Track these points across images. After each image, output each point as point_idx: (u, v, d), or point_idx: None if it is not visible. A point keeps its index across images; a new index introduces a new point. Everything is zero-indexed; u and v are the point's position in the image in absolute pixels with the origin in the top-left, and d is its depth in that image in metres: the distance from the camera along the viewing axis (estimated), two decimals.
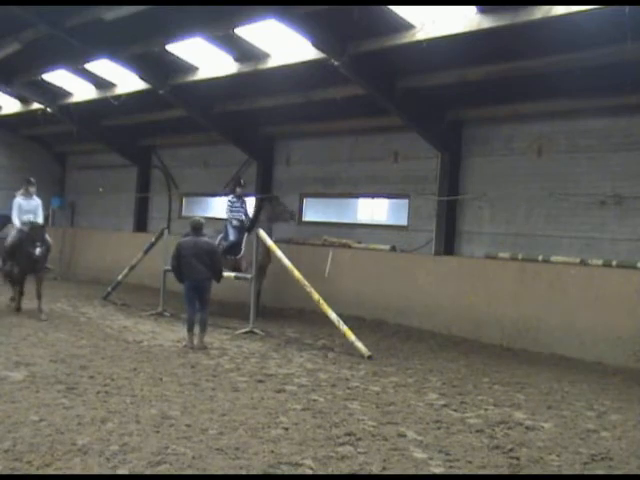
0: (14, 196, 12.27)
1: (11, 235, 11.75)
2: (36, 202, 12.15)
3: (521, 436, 5.95)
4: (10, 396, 6.21)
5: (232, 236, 12.83)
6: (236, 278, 12.03)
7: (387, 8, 9.82)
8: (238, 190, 13.26)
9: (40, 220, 11.87)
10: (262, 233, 11.55)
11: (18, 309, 11.78)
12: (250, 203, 14.23)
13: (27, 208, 11.94)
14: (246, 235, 12.69)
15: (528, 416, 6.66)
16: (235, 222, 12.94)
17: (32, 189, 12.16)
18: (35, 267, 11.32)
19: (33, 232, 11.21)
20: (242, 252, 12.55)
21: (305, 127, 15.14)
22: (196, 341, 9.42)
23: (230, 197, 13.30)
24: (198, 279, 9.48)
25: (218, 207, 18.03)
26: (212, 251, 9.64)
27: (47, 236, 11.74)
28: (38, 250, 10.98)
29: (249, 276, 11.50)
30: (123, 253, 16.71)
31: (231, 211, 13.10)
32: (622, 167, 10.74)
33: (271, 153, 16.29)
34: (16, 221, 11.77)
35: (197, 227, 9.77)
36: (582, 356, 9.93)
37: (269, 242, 11.40)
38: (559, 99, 11.10)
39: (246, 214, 13.21)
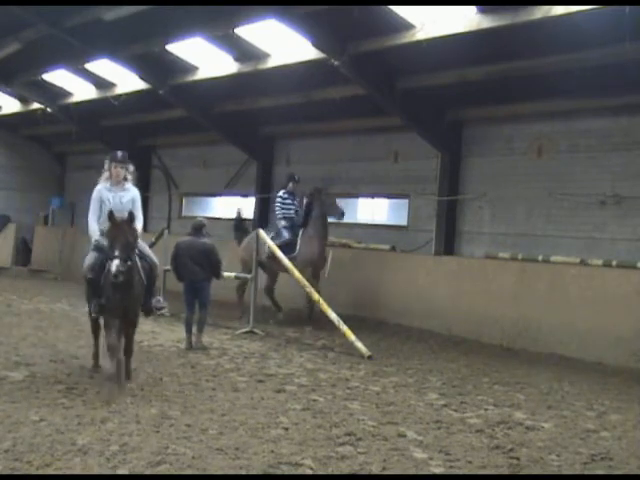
0: (95, 184, 7.37)
1: (88, 257, 7.17)
2: (131, 194, 7.23)
3: (521, 436, 5.95)
4: (10, 396, 6.20)
5: (286, 234, 12.16)
6: (236, 278, 12.01)
7: (387, 8, 9.83)
8: (290, 185, 12.46)
9: (138, 223, 6.88)
10: (262, 233, 11.52)
11: (96, 364, 7.57)
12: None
13: (116, 206, 7.00)
14: (301, 232, 12.06)
15: (528, 416, 6.65)
16: (284, 222, 12.22)
17: (123, 171, 7.20)
18: (125, 301, 6.61)
19: (111, 232, 6.49)
20: (297, 250, 11.86)
21: (305, 127, 15.15)
22: (194, 340, 9.41)
23: (281, 192, 12.52)
24: (194, 280, 9.47)
25: (218, 207, 18.09)
26: (208, 251, 9.50)
27: (146, 247, 7.27)
28: (116, 264, 6.19)
29: (249, 276, 11.47)
30: None
31: (282, 208, 12.39)
32: (622, 167, 10.74)
33: (271, 153, 16.30)
34: (94, 229, 7.11)
35: (197, 227, 9.73)
36: (582, 356, 9.93)
37: (269, 242, 11.38)
38: (559, 99, 11.11)
39: (297, 211, 12.48)
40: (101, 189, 7.23)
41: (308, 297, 11.42)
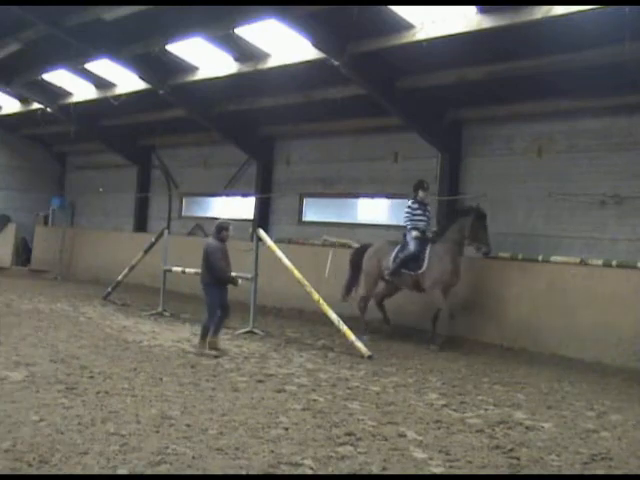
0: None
1: None
2: None
3: (521, 436, 5.95)
4: (10, 396, 6.20)
5: (412, 247, 10.83)
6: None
7: (387, 8, 9.85)
8: (420, 194, 11.09)
9: None
10: (262, 233, 11.49)
11: None
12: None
13: None
14: (429, 247, 10.77)
15: (528, 416, 6.65)
16: (415, 232, 10.91)
17: None
18: None
19: None
20: (424, 267, 10.63)
21: (305, 127, 15.16)
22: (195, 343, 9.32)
23: (410, 202, 11.17)
24: (202, 282, 9.29)
25: (218, 207, 18.10)
26: (207, 253, 9.22)
27: None
28: None
29: (249, 276, 11.42)
30: (123, 253, 16.72)
31: (411, 220, 11.02)
32: (622, 167, 10.74)
33: (271, 153, 16.31)
34: None
35: (216, 228, 9.37)
36: (582, 356, 9.92)
37: (269, 242, 11.36)
38: (559, 99, 11.11)
39: (429, 222, 11.23)
40: None
41: (435, 314, 10.73)
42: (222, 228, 9.28)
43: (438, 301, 10.66)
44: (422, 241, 10.88)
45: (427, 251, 10.70)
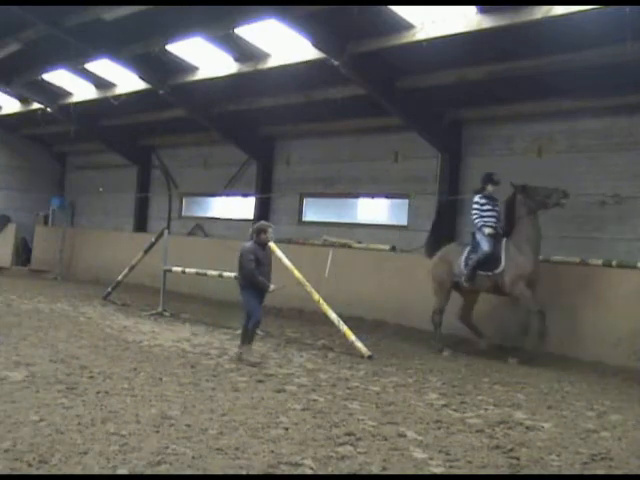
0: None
1: None
2: None
3: (521, 436, 5.94)
4: (10, 396, 6.20)
5: (485, 246, 9.95)
6: (235, 278, 11.95)
7: (387, 8, 9.85)
8: (489, 188, 10.25)
9: None
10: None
11: None
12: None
13: None
14: (504, 243, 9.89)
15: (528, 416, 6.65)
16: (488, 229, 10.02)
17: None
18: None
19: None
20: (502, 266, 9.72)
21: (305, 127, 15.16)
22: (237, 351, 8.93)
23: (477, 197, 10.32)
24: (239, 286, 8.94)
25: (218, 207, 18.10)
26: (240, 254, 8.76)
27: None
28: None
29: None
30: (123, 253, 16.71)
31: (481, 216, 10.14)
32: (622, 167, 10.75)
33: (271, 153, 16.32)
34: None
35: (254, 230, 8.87)
36: (582, 356, 9.91)
37: (271, 243, 11.33)
38: (559, 99, 11.12)
39: (499, 218, 10.24)
40: None
41: (540, 331, 9.60)
42: (260, 230, 8.80)
43: (525, 298, 9.70)
44: (496, 237, 10.05)
45: (503, 246, 9.84)
